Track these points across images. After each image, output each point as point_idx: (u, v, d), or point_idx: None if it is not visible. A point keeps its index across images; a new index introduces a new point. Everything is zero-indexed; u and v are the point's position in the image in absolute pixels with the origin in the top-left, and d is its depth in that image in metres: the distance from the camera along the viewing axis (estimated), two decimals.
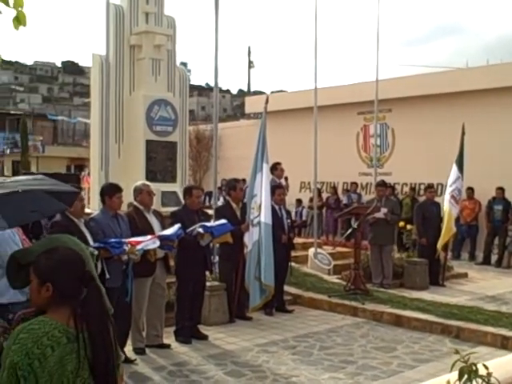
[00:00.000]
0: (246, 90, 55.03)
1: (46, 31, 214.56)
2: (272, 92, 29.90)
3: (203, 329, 7.59)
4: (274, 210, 8.58)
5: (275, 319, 8.52)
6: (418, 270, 10.72)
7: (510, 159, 14.15)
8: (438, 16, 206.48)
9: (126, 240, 6.04)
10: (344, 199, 17.42)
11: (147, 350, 6.76)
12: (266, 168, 8.58)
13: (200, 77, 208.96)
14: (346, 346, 7.25)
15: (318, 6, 11.77)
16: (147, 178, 10.00)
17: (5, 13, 3.29)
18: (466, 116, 13.42)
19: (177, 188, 11.34)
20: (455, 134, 11.85)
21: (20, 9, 3.24)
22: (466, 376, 2.79)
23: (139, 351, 6.68)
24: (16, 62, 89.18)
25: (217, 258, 8.68)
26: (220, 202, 12.40)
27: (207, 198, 17.07)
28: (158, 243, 6.32)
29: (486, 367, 2.88)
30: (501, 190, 14.10)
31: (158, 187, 9.46)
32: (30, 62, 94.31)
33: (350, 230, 10.39)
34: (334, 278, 10.56)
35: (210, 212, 8.89)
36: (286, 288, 9.31)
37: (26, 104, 64.99)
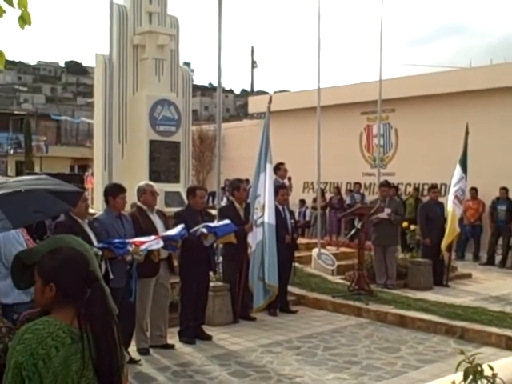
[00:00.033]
0: (249, 89, 55.11)
1: (50, 31, 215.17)
2: (275, 92, 29.91)
3: (207, 329, 7.58)
4: (277, 211, 8.57)
5: (279, 320, 8.52)
6: (421, 270, 10.70)
7: None
8: (442, 16, 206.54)
9: (130, 240, 6.04)
10: (347, 199, 17.41)
11: (151, 351, 6.76)
12: (269, 168, 8.57)
13: (203, 77, 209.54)
14: (350, 346, 7.24)
15: (321, 5, 11.76)
16: (150, 178, 10.01)
17: (9, 13, 3.29)
18: (470, 116, 13.39)
19: (180, 188, 11.34)
20: (459, 134, 11.83)
21: (23, 9, 3.24)
22: (471, 377, 2.78)
23: (143, 351, 6.68)
24: (19, 62, 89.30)
25: (220, 259, 8.67)
26: (223, 203, 12.39)
27: (211, 199, 17.05)
28: (161, 243, 6.31)
29: (492, 368, 2.86)
30: (504, 190, 14.08)
31: (161, 187, 9.47)
32: (33, 62, 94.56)
33: (353, 231, 10.36)
34: (337, 279, 10.55)
35: (214, 212, 8.88)
36: (290, 288, 9.30)
37: (30, 104, 65.11)
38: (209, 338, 7.37)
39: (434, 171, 15.15)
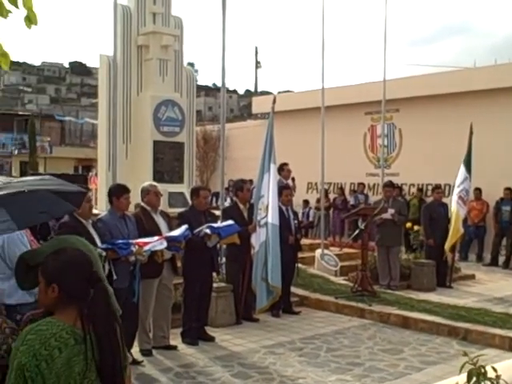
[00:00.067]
0: (252, 90, 55.00)
1: (54, 32, 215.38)
2: (279, 92, 29.88)
3: (210, 330, 7.58)
4: (281, 211, 8.57)
5: (282, 321, 8.51)
6: (425, 271, 10.68)
7: None
8: (445, 15, 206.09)
9: (134, 241, 6.05)
10: (351, 200, 17.40)
11: (154, 352, 6.76)
12: (273, 168, 8.57)
13: (207, 77, 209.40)
14: (352, 347, 7.23)
15: (325, 5, 11.77)
16: (154, 179, 10.01)
17: (14, 13, 3.30)
18: (474, 116, 13.38)
19: (184, 189, 11.35)
20: (463, 134, 11.81)
21: (29, 9, 3.26)
22: (474, 378, 2.78)
23: (146, 352, 6.68)
24: (24, 63, 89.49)
25: (224, 259, 8.68)
26: (227, 203, 12.43)
27: (214, 199, 17.06)
28: (165, 244, 6.31)
29: (495, 369, 2.86)
30: (509, 190, 14.04)
31: (165, 188, 9.47)
32: (37, 63, 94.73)
33: (357, 231, 10.37)
34: (340, 280, 10.54)
35: (217, 213, 8.89)
36: (293, 289, 9.29)
37: (34, 105, 65.25)
38: (212, 339, 7.37)
39: (438, 172, 15.13)
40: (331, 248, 12.42)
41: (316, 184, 18.29)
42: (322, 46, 11.75)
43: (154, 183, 7.21)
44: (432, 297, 9.66)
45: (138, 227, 6.46)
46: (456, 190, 11.31)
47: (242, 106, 70.84)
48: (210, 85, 79.38)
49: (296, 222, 9.14)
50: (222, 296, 8.09)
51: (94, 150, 18.73)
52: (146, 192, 6.78)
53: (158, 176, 10.98)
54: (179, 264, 7.17)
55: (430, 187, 15.49)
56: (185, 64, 12.92)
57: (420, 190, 16.24)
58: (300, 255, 9.65)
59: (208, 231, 7.08)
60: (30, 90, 79.30)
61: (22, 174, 27.82)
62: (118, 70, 9.87)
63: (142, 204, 6.82)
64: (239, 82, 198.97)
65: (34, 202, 3.17)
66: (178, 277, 7.26)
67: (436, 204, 11.40)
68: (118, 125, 9.87)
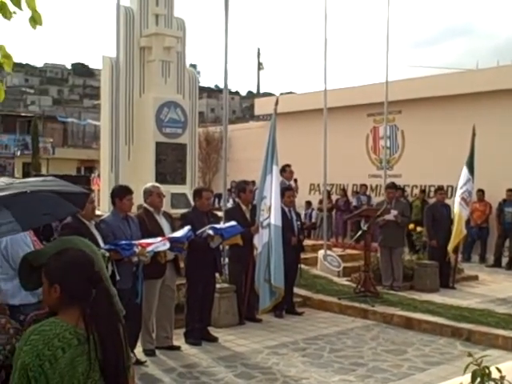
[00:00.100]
0: (255, 91, 55.05)
1: (56, 34, 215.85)
2: (281, 94, 29.88)
3: (213, 331, 7.58)
4: (283, 212, 8.56)
5: (285, 321, 8.51)
6: (428, 272, 10.67)
7: None
8: (448, 17, 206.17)
9: (137, 242, 6.05)
10: (354, 201, 17.39)
11: (157, 352, 6.76)
12: (275, 170, 8.57)
13: (209, 78, 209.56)
14: (356, 348, 7.23)
15: (327, 7, 11.75)
16: (157, 180, 10.01)
17: (17, 15, 3.31)
18: (477, 117, 13.37)
19: (186, 190, 11.35)
20: (465, 136, 11.80)
21: (33, 10, 3.27)
22: (478, 379, 2.78)
23: (149, 353, 6.68)
24: (26, 65, 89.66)
25: (226, 260, 8.67)
26: (230, 204, 12.39)
27: (217, 200, 17.07)
28: (168, 245, 6.32)
29: (499, 370, 2.86)
30: (511, 192, 14.02)
31: (167, 189, 9.48)
32: (40, 65, 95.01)
33: (359, 232, 10.34)
34: (343, 280, 10.53)
35: (220, 214, 8.89)
36: (296, 290, 9.29)
37: (37, 106, 65.31)
38: (215, 339, 7.37)
39: (441, 173, 15.12)
40: (334, 249, 12.42)
41: (318, 185, 18.29)
42: (324, 47, 11.74)
43: (157, 184, 7.21)
44: (435, 298, 9.65)
45: (141, 228, 6.47)
46: (459, 192, 11.30)
47: (244, 108, 70.91)
48: (213, 86, 79.47)
49: (299, 223, 9.14)
50: (225, 297, 8.09)
51: (97, 151, 18.75)
52: (148, 193, 6.79)
53: (161, 177, 10.99)
54: (182, 265, 7.17)
55: (432, 188, 15.47)
56: (187, 65, 12.92)
57: (423, 191, 16.22)
58: (303, 256, 9.65)
59: (211, 232, 7.08)
60: (32, 91, 79.43)
61: (25, 175, 27.87)
62: (120, 71, 9.88)
63: (145, 205, 6.82)
64: (241, 84, 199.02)
65: (38, 203, 3.17)
66: (181, 277, 7.26)
67: (439, 205, 11.39)
68: (120, 126, 9.88)
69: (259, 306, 8.28)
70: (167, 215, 7.04)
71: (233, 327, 8.02)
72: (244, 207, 8.42)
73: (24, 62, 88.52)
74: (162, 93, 11.53)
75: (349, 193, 17.93)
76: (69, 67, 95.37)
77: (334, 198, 17.87)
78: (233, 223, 7.57)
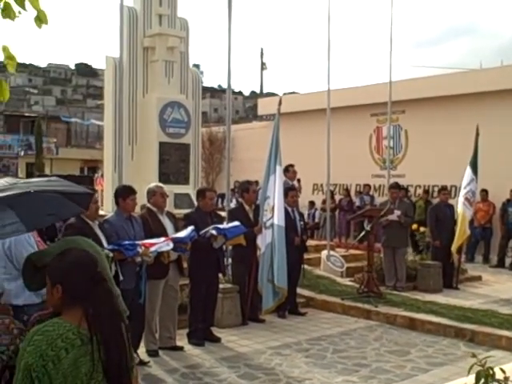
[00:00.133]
0: (258, 91, 55.10)
1: (60, 34, 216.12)
2: (284, 94, 29.85)
3: (216, 331, 7.58)
4: (286, 212, 8.56)
5: (288, 322, 8.51)
6: (431, 272, 10.65)
7: None
8: (451, 17, 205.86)
9: (140, 242, 6.06)
10: (357, 201, 17.39)
11: (160, 352, 6.76)
12: (279, 170, 8.56)
13: (213, 78, 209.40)
14: (359, 349, 7.22)
15: (330, 7, 11.77)
16: (160, 180, 10.01)
17: (21, 15, 3.31)
18: (480, 117, 13.35)
19: (190, 190, 11.36)
20: (469, 136, 11.78)
21: (38, 10, 3.27)
22: (482, 380, 2.77)
23: (152, 353, 6.69)
24: (30, 65, 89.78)
25: (230, 260, 8.68)
26: (233, 204, 12.42)
27: (220, 200, 17.08)
28: (171, 245, 6.32)
29: (503, 371, 2.85)
30: None
31: (171, 189, 9.48)
32: (43, 65, 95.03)
33: (363, 233, 10.34)
34: (346, 281, 10.53)
35: (223, 214, 8.89)
36: (299, 290, 9.28)
37: (40, 106, 65.37)
38: (218, 340, 7.37)
39: (444, 173, 15.10)
40: (337, 249, 12.41)
41: (322, 185, 18.27)
42: (327, 47, 11.75)
43: (160, 184, 7.21)
44: (438, 298, 9.64)
45: (145, 228, 6.47)
46: (462, 192, 11.28)
47: (247, 108, 70.90)
48: (216, 86, 79.45)
49: (302, 223, 9.14)
50: (228, 297, 8.09)
51: (100, 151, 18.78)
52: (152, 193, 6.79)
53: (164, 177, 10.99)
54: (185, 265, 7.17)
55: (436, 188, 15.47)
56: (190, 65, 12.93)
57: (426, 191, 16.20)
58: (306, 256, 9.64)
59: (214, 232, 7.08)
60: (36, 91, 79.50)
61: (29, 175, 27.89)
62: (123, 71, 9.88)
63: (148, 205, 6.82)
64: (245, 84, 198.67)
65: (42, 203, 3.18)
66: (184, 278, 7.27)
67: (442, 205, 11.37)
68: (123, 126, 9.88)
69: (262, 307, 8.29)
70: (170, 215, 7.04)
71: (236, 327, 8.02)
72: (247, 207, 8.42)
73: (28, 62, 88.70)
74: (166, 93, 11.54)
75: (352, 193, 17.92)
76: (72, 67, 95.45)
77: (337, 198, 17.86)
78: (236, 223, 7.58)
